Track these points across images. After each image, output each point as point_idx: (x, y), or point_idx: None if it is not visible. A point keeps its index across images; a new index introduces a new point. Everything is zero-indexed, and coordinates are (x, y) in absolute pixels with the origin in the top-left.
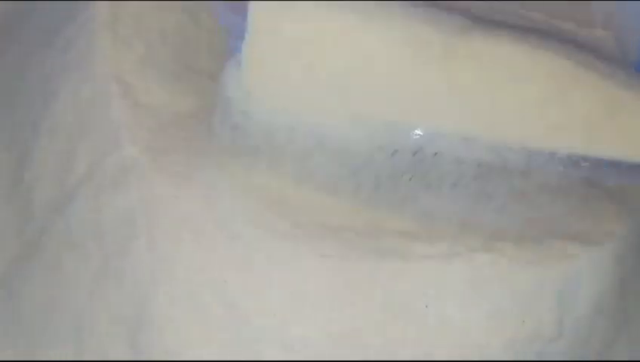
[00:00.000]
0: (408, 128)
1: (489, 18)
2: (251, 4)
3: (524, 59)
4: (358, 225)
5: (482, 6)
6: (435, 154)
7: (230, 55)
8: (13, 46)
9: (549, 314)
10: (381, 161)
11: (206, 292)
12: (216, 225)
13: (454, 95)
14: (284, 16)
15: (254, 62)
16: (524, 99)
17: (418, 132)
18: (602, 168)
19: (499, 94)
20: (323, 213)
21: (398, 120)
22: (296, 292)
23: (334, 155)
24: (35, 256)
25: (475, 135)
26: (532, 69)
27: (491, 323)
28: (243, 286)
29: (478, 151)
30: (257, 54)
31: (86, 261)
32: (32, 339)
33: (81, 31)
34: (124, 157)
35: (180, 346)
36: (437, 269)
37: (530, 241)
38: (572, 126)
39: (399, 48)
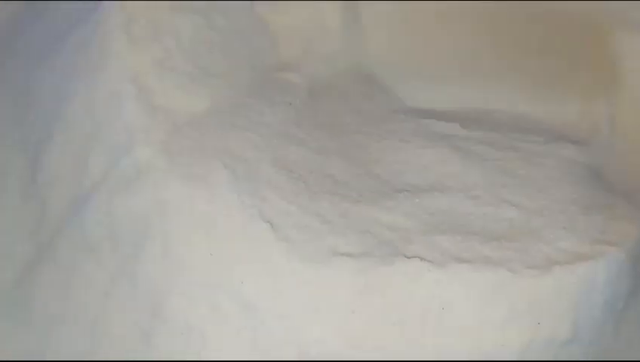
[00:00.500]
0: None
1: None
2: None
3: None
4: (377, 226)
5: None
6: None
7: None
8: (24, 47)
9: (565, 316)
10: None
11: (222, 293)
12: (232, 227)
13: None
14: None
15: None
16: None
17: None
18: None
19: None
20: (342, 213)
21: None
22: (313, 293)
23: None
24: (50, 258)
25: None
26: None
27: (508, 326)
28: (260, 288)
29: None
30: None
31: (101, 263)
32: (46, 342)
33: (93, 33)
34: (138, 158)
35: (195, 348)
36: (454, 272)
37: (546, 243)
38: None
39: None
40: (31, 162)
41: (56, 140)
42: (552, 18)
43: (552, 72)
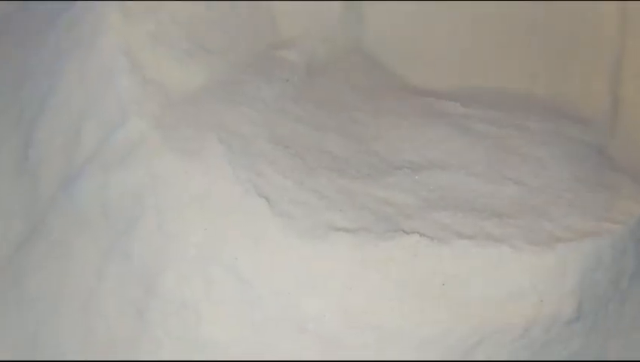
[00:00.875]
0: None
1: None
2: None
3: None
4: (376, 202)
5: None
6: None
7: None
8: (18, 26)
9: (568, 294)
10: None
11: (217, 269)
12: (227, 202)
13: None
14: None
15: None
16: None
17: None
18: None
19: None
20: (340, 189)
21: None
22: (310, 269)
23: None
24: (42, 235)
25: None
26: None
27: (510, 303)
28: (255, 264)
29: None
30: None
31: (94, 239)
32: (40, 321)
33: (86, 8)
34: (132, 132)
35: (190, 324)
36: (455, 248)
37: (549, 220)
38: None
39: None
40: (23, 139)
41: (48, 116)
42: None
43: (553, 51)
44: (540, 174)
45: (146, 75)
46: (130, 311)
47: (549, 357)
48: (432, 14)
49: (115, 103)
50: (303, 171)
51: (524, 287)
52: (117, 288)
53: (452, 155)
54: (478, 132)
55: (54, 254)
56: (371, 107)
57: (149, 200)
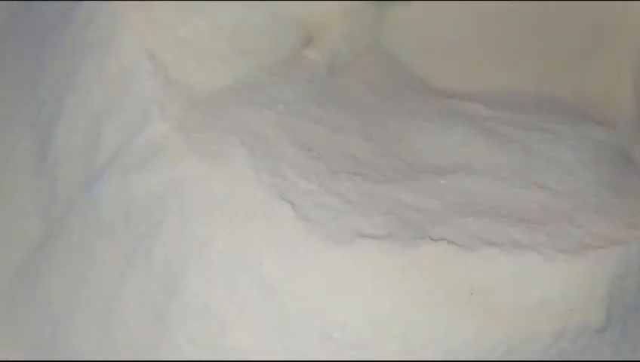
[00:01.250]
0: None
1: None
2: None
3: None
4: (401, 207)
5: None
6: None
7: None
8: (32, 23)
9: (598, 303)
10: None
11: (241, 275)
12: (251, 206)
13: None
14: None
15: None
16: None
17: None
18: None
19: None
20: (364, 194)
21: None
22: (335, 276)
23: None
24: (61, 237)
25: None
26: None
27: (539, 312)
28: (280, 270)
29: None
30: None
31: (115, 243)
32: (57, 324)
33: (102, 7)
34: (154, 134)
35: (213, 331)
36: (483, 256)
37: (577, 227)
38: None
39: None
40: (40, 139)
41: (66, 116)
42: None
43: (576, 52)
44: (566, 178)
45: (168, 75)
46: (151, 317)
47: None
48: (453, 14)
49: (137, 104)
50: (327, 175)
51: (553, 296)
52: (138, 293)
53: (476, 159)
54: (502, 135)
55: (74, 257)
56: (393, 108)
57: (172, 204)
